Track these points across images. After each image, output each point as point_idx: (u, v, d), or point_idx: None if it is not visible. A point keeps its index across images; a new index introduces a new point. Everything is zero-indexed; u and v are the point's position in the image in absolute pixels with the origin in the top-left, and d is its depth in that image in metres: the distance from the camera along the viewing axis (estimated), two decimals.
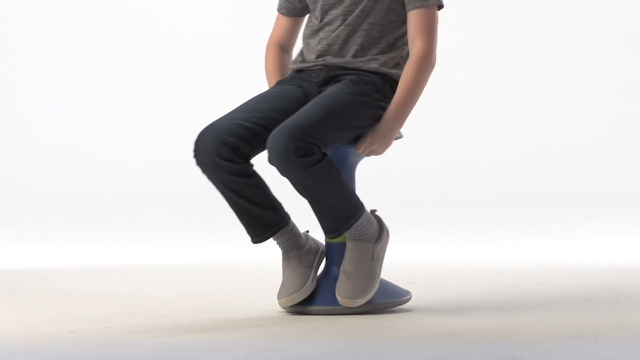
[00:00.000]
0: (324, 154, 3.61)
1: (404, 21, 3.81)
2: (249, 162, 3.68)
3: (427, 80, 3.77)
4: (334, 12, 3.81)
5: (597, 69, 6.13)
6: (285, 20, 3.95)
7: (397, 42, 3.81)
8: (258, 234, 3.75)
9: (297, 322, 3.61)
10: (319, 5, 3.82)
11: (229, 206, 3.74)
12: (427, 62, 3.75)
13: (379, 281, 3.74)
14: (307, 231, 3.84)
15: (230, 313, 3.81)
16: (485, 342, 3.25)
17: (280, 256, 3.83)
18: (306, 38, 3.87)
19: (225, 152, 3.64)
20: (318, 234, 3.84)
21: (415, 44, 3.75)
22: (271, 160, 3.59)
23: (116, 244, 5.64)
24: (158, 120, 6.29)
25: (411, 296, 3.85)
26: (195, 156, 3.68)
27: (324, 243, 3.84)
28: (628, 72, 6.18)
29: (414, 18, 3.77)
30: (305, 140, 3.56)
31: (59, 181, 6.15)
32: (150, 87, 6.39)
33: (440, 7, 3.80)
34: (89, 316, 3.75)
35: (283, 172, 3.59)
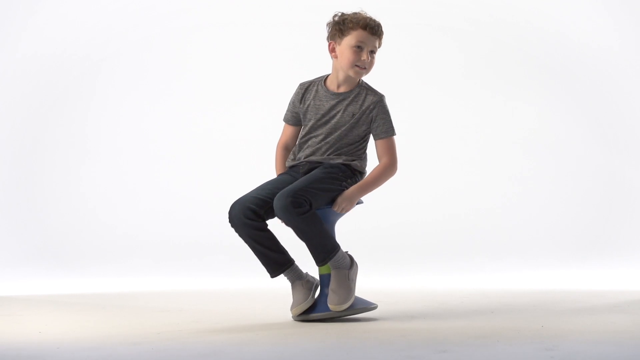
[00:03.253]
0: (311, 208, 3.70)
1: (363, 139, 3.89)
2: (265, 222, 3.78)
3: (385, 181, 3.87)
4: (319, 131, 3.90)
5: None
6: (290, 128, 4.00)
7: (357, 152, 3.90)
8: (273, 270, 3.83)
9: (303, 327, 3.68)
10: (309, 124, 3.92)
11: (252, 252, 3.81)
12: (390, 170, 3.86)
13: (354, 294, 3.82)
14: (307, 272, 3.91)
15: (260, 321, 3.84)
16: (426, 339, 3.32)
17: (290, 286, 3.89)
18: (298, 143, 3.97)
19: (249, 214, 3.74)
20: (313, 273, 3.94)
21: (382, 159, 3.87)
22: (277, 214, 3.70)
23: (187, 276, 5.37)
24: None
25: (377, 306, 3.92)
26: (230, 220, 3.78)
27: (317, 278, 3.91)
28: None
29: (380, 144, 3.87)
30: (297, 197, 3.67)
31: (155, 231, 5.78)
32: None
33: (395, 134, 3.88)
34: (168, 323, 3.79)
35: (285, 221, 3.71)
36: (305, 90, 3.94)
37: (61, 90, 5.95)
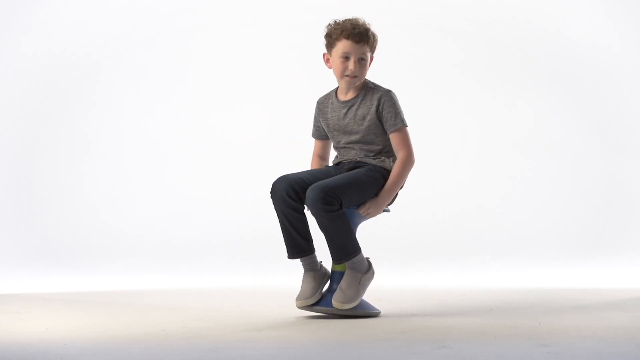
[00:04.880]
0: (341, 207, 3.78)
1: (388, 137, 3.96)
2: (303, 205, 3.86)
3: (407, 175, 3.93)
4: (344, 140, 3.97)
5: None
6: (318, 142, 4.13)
7: (392, 149, 3.96)
8: (293, 253, 3.91)
9: (305, 324, 3.74)
10: (334, 135, 4.02)
11: (280, 227, 3.88)
12: (408, 164, 3.91)
13: (361, 298, 3.89)
14: (321, 262, 4.00)
15: (263, 319, 3.88)
16: (426, 335, 3.36)
17: (302, 273, 3.96)
18: (335, 150, 4.08)
19: (291, 193, 3.83)
20: (327, 264, 4.01)
21: (399, 153, 3.92)
22: (306, 202, 3.78)
23: (190, 275, 5.37)
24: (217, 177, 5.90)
25: (380, 312, 3.97)
26: (272, 192, 3.86)
27: (330, 271, 3.99)
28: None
29: (393, 138, 3.92)
30: (330, 194, 3.74)
31: (156, 230, 5.79)
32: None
33: (406, 126, 3.92)
34: (173, 320, 3.85)
35: (312, 212, 3.78)
36: (322, 104, 4.04)
37: (61, 90, 5.98)
